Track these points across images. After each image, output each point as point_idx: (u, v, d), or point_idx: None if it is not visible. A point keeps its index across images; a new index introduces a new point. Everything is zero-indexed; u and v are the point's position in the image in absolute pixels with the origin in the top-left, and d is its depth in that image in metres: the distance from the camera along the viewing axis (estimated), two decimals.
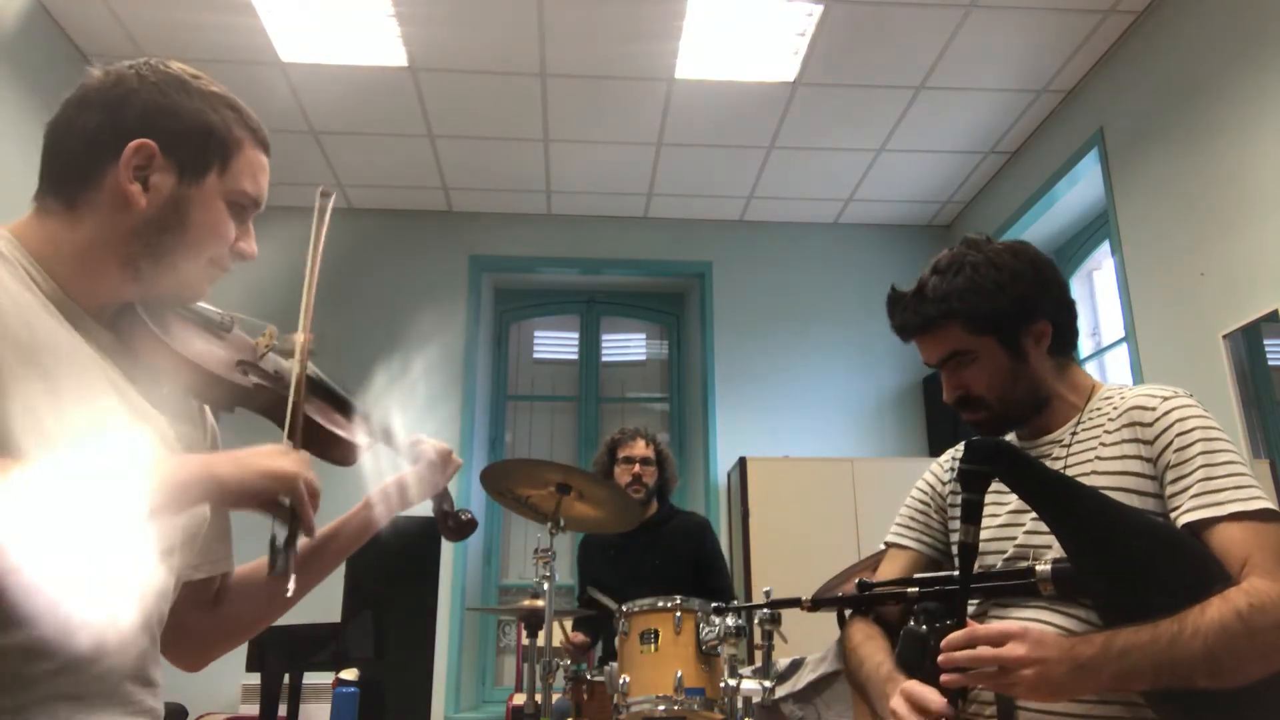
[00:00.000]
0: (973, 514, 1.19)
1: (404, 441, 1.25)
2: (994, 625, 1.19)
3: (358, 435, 1.17)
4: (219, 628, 1.19)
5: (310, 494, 0.96)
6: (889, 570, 1.57)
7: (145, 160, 0.99)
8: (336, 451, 1.15)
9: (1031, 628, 1.18)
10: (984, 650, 1.15)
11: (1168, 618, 1.15)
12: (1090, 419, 1.43)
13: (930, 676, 1.20)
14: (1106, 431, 1.39)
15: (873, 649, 1.47)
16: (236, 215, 1.07)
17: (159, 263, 1.01)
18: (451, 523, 1.33)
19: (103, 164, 0.99)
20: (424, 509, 1.31)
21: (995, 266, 1.42)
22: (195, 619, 1.15)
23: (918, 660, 1.23)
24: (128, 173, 0.98)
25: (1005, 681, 1.15)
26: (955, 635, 1.17)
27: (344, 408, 1.20)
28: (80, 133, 1.00)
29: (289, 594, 1.01)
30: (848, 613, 1.62)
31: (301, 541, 1.02)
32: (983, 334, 1.42)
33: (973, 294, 1.41)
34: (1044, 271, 1.46)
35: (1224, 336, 3.30)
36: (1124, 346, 4.07)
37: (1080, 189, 4.47)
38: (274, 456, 0.96)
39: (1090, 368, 4.80)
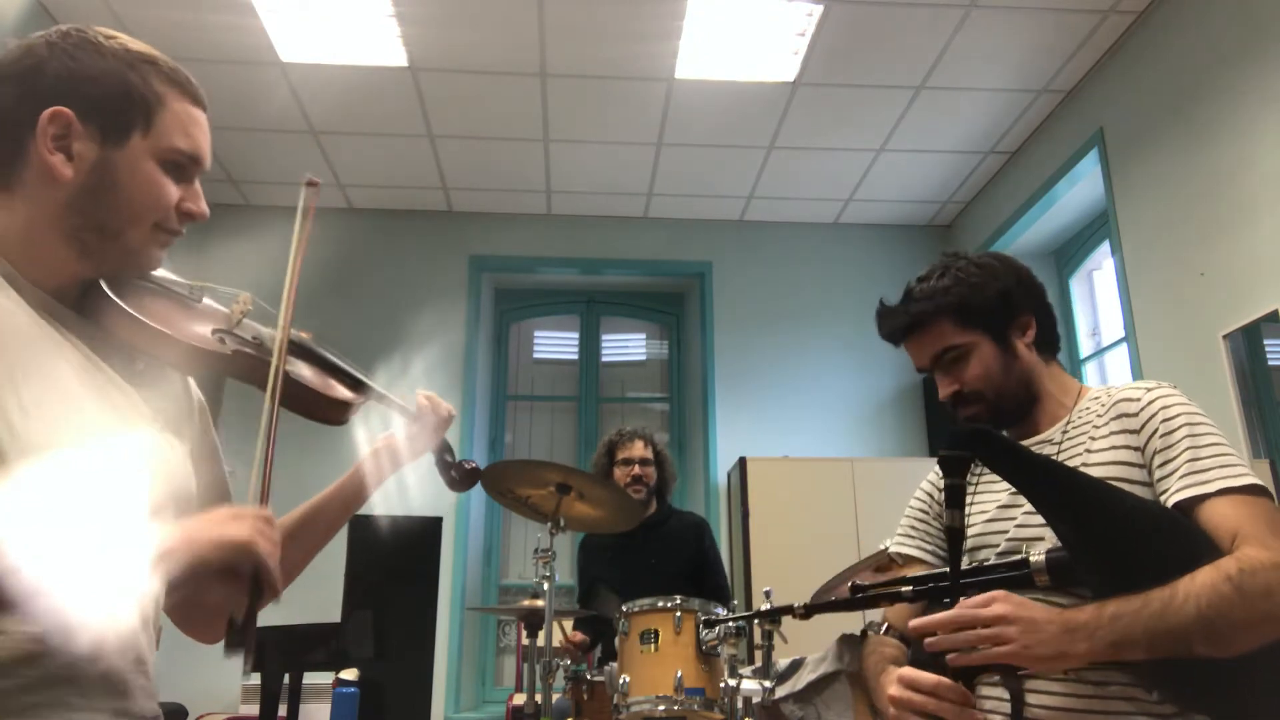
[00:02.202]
0: (955, 498, 1.20)
1: (395, 397, 1.25)
2: (977, 595, 1.20)
3: (346, 393, 1.16)
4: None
5: (269, 554, 0.92)
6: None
7: (63, 129, 0.97)
8: (325, 410, 1.13)
9: (1013, 594, 1.19)
10: (967, 611, 1.17)
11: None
12: (1080, 417, 1.46)
13: (938, 671, 1.21)
14: (1095, 427, 1.41)
15: (879, 656, 1.49)
16: (175, 175, 1.03)
17: (101, 233, 0.99)
18: (455, 472, 1.33)
19: (24, 139, 0.96)
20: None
21: (977, 266, 1.51)
22: (209, 590, 1.15)
23: (924, 657, 1.24)
24: (46, 143, 0.96)
25: (994, 636, 1.15)
26: (942, 615, 1.19)
27: (330, 368, 1.18)
28: None
29: (246, 672, 0.97)
30: (866, 617, 1.63)
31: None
32: (971, 327, 1.48)
33: (959, 289, 1.49)
34: (1021, 272, 1.54)
35: (1224, 336, 3.30)
36: (1124, 346, 4.07)
37: (1080, 189, 4.47)
38: (226, 523, 0.92)
39: (1090, 368, 4.81)
